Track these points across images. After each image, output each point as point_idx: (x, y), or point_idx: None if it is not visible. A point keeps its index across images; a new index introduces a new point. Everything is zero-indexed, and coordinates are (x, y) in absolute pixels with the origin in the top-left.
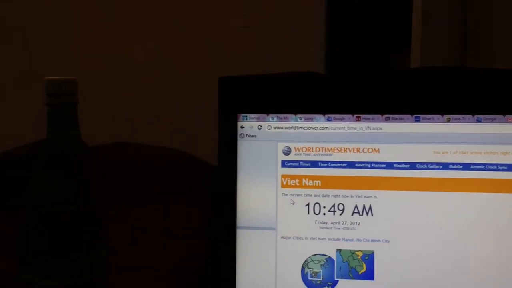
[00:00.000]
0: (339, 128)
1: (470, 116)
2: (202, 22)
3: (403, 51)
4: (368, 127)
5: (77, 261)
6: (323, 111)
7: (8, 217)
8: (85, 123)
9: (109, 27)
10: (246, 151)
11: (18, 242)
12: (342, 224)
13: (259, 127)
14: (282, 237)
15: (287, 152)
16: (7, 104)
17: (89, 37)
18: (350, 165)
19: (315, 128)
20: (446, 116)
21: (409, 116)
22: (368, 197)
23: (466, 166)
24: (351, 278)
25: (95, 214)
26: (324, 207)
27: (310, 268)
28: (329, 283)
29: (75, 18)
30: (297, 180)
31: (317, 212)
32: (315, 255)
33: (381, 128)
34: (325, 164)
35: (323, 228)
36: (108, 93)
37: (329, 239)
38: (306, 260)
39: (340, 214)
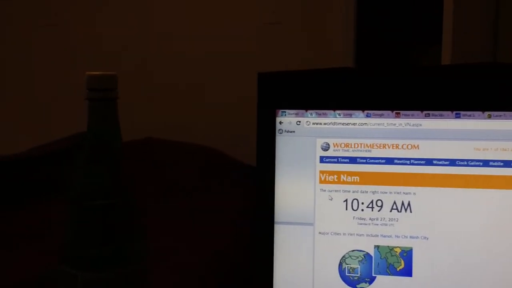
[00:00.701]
0: (378, 124)
1: None
2: (232, 19)
3: (433, 48)
4: (408, 123)
5: (118, 253)
6: (362, 107)
7: (42, 212)
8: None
9: (146, 25)
10: (284, 147)
11: (59, 236)
12: (381, 220)
13: (298, 122)
14: (319, 233)
15: (326, 147)
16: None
17: (125, 36)
18: (389, 161)
19: (354, 124)
20: (487, 113)
21: (449, 112)
22: (407, 193)
23: (507, 163)
24: (389, 274)
25: (135, 207)
26: (363, 203)
27: (347, 264)
28: (366, 279)
29: (114, 15)
30: (335, 176)
31: (355, 208)
32: (352, 251)
33: (421, 125)
34: (364, 160)
35: (361, 224)
36: (142, 90)
37: (367, 235)
38: (343, 256)
39: (379, 210)
